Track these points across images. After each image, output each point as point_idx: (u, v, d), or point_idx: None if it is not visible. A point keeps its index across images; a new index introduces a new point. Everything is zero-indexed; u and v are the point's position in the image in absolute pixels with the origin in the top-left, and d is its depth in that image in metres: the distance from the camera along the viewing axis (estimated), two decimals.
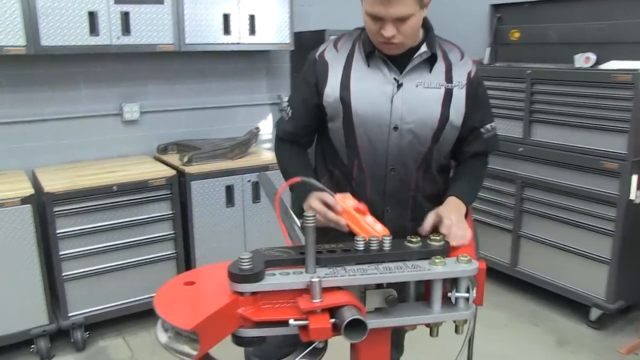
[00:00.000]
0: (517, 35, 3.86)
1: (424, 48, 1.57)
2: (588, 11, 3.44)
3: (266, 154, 3.61)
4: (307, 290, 1.14)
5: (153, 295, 1.14)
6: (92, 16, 2.93)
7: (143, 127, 3.59)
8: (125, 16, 3.02)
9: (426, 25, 1.61)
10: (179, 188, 3.12)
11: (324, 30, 3.61)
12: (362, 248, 1.25)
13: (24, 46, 2.79)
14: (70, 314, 2.90)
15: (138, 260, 3.06)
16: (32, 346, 2.83)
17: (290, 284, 1.15)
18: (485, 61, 3.89)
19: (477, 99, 1.65)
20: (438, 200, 1.60)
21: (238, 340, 1.17)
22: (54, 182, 2.85)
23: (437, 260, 1.22)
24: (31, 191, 2.73)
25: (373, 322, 1.18)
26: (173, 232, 3.15)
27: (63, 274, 2.85)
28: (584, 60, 3.32)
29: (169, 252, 3.15)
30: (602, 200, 2.99)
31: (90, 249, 2.91)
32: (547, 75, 3.20)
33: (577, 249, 3.15)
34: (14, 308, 2.74)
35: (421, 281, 1.26)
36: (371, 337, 1.17)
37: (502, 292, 3.57)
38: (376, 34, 1.50)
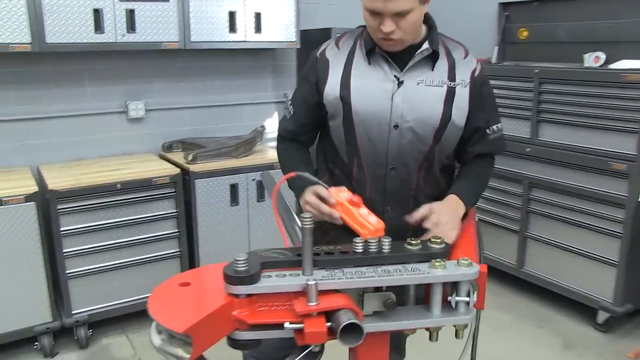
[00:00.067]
0: (525, 34, 3.82)
1: (425, 45, 1.55)
2: (598, 10, 3.39)
3: (271, 152, 3.59)
4: (303, 293, 1.12)
5: None
6: (97, 13, 2.93)
7: (148, 125, 3.58)
8: (131, 13, 3.02)
9: (429, 22, 1.59)
10: (183, 186, 3.11)
11: (330, 28, 3.58)
12: (360, 250, 1.23)
13: (29, 43, 2.79)
14: (73, 312, 2.90)
15: (142, 259, 3.05)
16: (36, 343, 2.84)
17: (286, 286, 1.13)
18: (493, 60, 3.86)
19: (482, 98, 1.62)
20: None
21: (233, 343, 1.15)
22: (58, 180, 2.85)
23: (437, 264, 1.20)
24: (35, 189, 2.73)
25: (370, 326, 1.16)
26: (177, 230, 3.14)
27: (67, 272, 2.86)
28: (593, 59, 3.27)
29: (172, 251, 3.15)
30: (610, 202, 2.95)
31: (94, 247, 2.91)
32: (555, 74, 3.16)
33: (584, 251, 3.11)
34: (18, 305, 2.75)
35: (421, 284, 1.24)
36: (369, 341, 1.15)
37: (507, 293, 3.53)
38: (375, 29, 1.48)
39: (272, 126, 4.04)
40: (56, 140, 3.29)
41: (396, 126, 1.55)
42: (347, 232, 1.41)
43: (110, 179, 2.92)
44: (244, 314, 1.12)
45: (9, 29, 2.73)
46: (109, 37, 2.98)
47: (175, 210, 3.11)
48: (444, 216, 1.46)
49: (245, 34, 3.43)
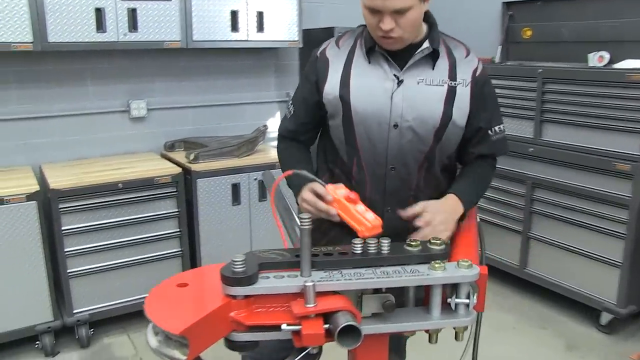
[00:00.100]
0: (529, 33, 3.80)
1: (426, 44, 1.54)
2: (602, 9, 3.37)
3: (273, 152, 3.57)
4: (301, 294, 1.10)
5: None
6: (99, 13, 2.92)
7: (150, 124, 3.58)
8: (132, 13, 3.01)
9: (429, 20, 1.58)
10: (185, 186, 3.11)
11: (332, 28, 3.57)
12: (359, 251, 1.22)
13: (31, 42, 2.79)
14: (75, 311, 2.90)
15: (143, 258, 3.05)
16: (37, 342, 2.84)
17: (284, 288, 1.12)
18: (497, 60, 3.83)
19: (483, 98, 1.60)
20: None
21: (230, 345, 1.14)
22: (60, 179, 2.85)
23: (436, 265, 1.18)
24: (37, 188, 2.73)
25: (369, 328, 1.14)
26: (179, 229, 3.13)
27: (68, 271, 2.85)
28: (597, 59, 3.25)
29: (174, 250, 3.14)
30: (614, 202, 2.93)
31: (95, 246, 2.90)
32: (559, 74, 3.14)
33: (588, 252, 3.09)
34: (19, 304, 2.75)
35: (420, 286, 1.23)
36: (368, 343, 1.14)
37: (510, 294, 3.52)
38: (375, 27, 1.47)
39: (274, 125, 4.02)
40: (58, 139, 3.29)
41: (396, 125, 1.54)
42: (346, 233, 1.40)
43: (112, 178, 2.92)
44: (242, 316, 1.10)
45: (11, 28, 2.73)
46: (111, 36, 2.98)
47: (176, 210, 3.10)
48: (437, 216, 1.45)
49: (247, 33, 3.42)
